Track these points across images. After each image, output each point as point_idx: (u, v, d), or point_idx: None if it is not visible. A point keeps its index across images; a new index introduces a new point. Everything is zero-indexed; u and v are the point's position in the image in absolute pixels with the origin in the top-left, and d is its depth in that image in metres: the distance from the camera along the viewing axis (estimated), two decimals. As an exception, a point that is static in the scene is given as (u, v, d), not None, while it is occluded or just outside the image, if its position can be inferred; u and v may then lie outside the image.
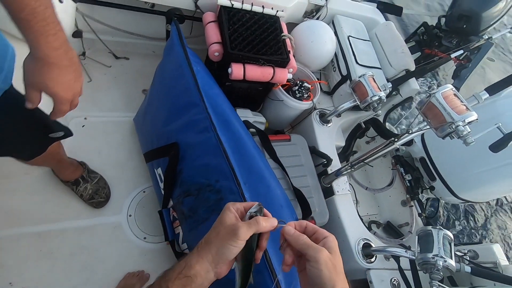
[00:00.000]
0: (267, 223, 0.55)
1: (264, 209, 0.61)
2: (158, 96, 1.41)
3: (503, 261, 1.48)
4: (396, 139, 1.28)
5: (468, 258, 1.41)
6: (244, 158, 1.21)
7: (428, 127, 1.20)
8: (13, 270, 1.21)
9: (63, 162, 1.29)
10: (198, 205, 1.20)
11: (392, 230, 1.89)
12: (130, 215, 1.47)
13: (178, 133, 1.29)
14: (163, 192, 1.33)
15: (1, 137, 0.83)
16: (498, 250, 1.51)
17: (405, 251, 1.32)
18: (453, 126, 1.08)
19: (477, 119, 1.07)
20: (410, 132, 1.24)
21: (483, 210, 3.09)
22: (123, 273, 1.33)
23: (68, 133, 1.02)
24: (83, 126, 1.58)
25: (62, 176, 1.34)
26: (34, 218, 1.31)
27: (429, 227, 1.25)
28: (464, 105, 1.10)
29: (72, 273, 1.28)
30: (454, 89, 1.13)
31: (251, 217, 0.58)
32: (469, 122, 1.07)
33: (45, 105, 0.72)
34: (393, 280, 1.47)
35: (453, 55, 1.89)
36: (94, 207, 1.40)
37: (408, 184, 1.80)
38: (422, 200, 1.81)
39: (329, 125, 1.83)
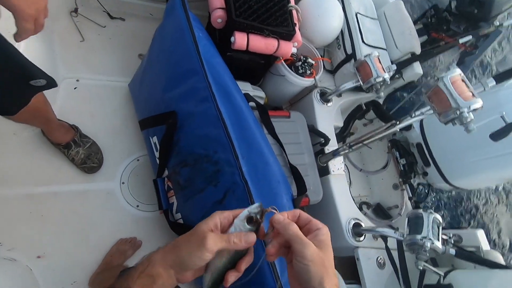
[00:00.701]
0: (240, 240, 0.49)
1: (275, 211, 0.54)
2: (157, 61, 1.34)
3: (485, 246, 1.54)
4: (397, 122, 1.27)
5: (452, 242, 1.46)
6: (244, 131, 1.19)
7: (431, 112, 1.19)
8: (2, 230, 1.19)
9: (51, 123, 1.23)
10: (195, 176, 1.19)
11: (381, 212, 1.94)
12: (123, 183, 1.44)
13: (177, 101, 1.24)
14: (158, 161, 1.30)
15: None
16: (481, 235, 1.57)
17: (394, 232, 1.35)
18: (458, 112, 1.07)
19: (482, 107, 1.06)
20: (412, 116, 1.23)
21: (472, 197, 3.20)
22: (115, 239, 1.33)
23: (51, 82, 0.94)
24: (75, 88, 1.50)
25: (52, 138, 1.29)
26: (24, 180, 1.28)
27: (420, 210, 1.27)
28: (471, 91, 1.08)
29: (64, 236, 1.27)
30: (462, 74, 1.11)
31: (249, 218, 0.52)
32: (474, 110, 1.06)
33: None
34: (379, 258, 1.52)
35: (461, 41, 1.84)
36: (86, 172, 1.37)
37: (402, 168, 1.82)
38: (414, 185, 1.84)
39: (329, 104, 1.80)
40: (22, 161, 1.29)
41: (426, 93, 1.16)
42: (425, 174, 1.75)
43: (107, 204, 1.38)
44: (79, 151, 1.34)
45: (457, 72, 1.11)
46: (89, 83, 1.55)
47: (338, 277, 1.43)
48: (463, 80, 1.10)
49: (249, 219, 0.52)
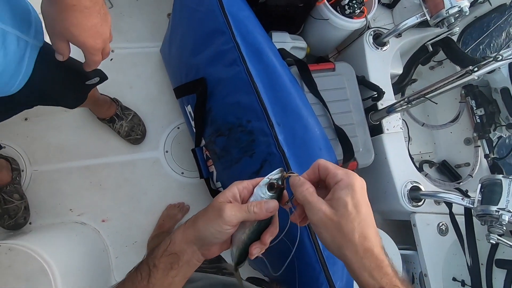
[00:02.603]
0: (260, 208, 0.44)
1: (297, 176, 0.47)
2: (181, 22, 1.23)
3: None
4: (475, 68, 0.99)
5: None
6: (279, 94, 1.06)
7: (528, 50, 0.89)
8: (70, 198, 1.36)
9: (98, 101, 1.28)
10: (230, 145, 1.14)
11: (447, 171, 1.69)
12: (167, 151, 1.48)
13: (205, 66, 1.15)
14: (194, 130, 1.28)
15: (46, 90, 0.82)
16: None
17: (462, 199, 1.16)
18: None
19: None
20: (499, 58, 0.93)
21: None
22: (164, 204, 1.42)
23: (103, 77, 1.00)
24: (111, 59, 1.51)
25: (98, 114, 1.35)
26: (80, 153, 1.40)
27: (499, 176, 1.05)
28: None
29: (120, 202, 1.40)
30: None
31: (270, 185, 0.47)
32: None
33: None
34: (440, 224, 1.36)
35: None
36: (132, 144, 1.43)
37: (479, 120, 1.50)
38: (493, 139, 1.52)
39: (385, 48, 1.50)
40: (76, 136, 1.40)
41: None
42: (510, 126, 1.42)
43: (154, 172, 1.45)
44: (123, 124, 1.38)
45: None
46: (123, 52, 1.53)
47: (388, 241, 1.34)
48: None
49: (270, 186, 0.47)
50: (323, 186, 0.46)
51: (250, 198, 0.48)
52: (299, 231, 0.51)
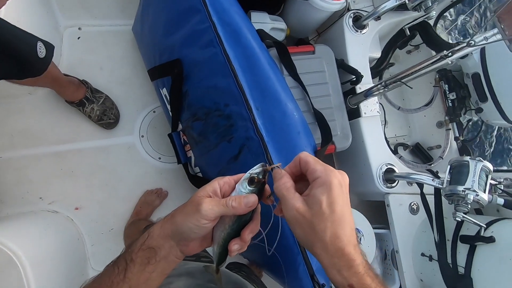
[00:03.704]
0: (239, 203, 0.43)
1: (278, 169, 0.46)
2: (153, -1, 1.15)
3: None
4: (449, 53, 1.00)
5: (502, 188, 1.30)
6: (257, 78, 1.04)
7: (498, 37, 0.91)
8: (40, 186, 1.29)
9: (59, 80, 1.18)
10: (207, 131, 1.11)
11: (420, 153, 1.76)
12: (142, 136, 1.43)
13: (180, 47, 1.10)
14: (170, 114, 1.23)
15: None
16: (539, 179, 1.37)
17: (432, 179, 1.22)
18: (539, 36, 0.79)
19: None
20: (472, 44, 0.95)
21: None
22: (142, 190, 1.39)
23: (47, 45, 0.91)
24: (78, 38, 1.40)
25: (65, 96, 1.27)
26: (48, 138, 1.32)
27: (466, 158, 1.10)
28: None
29: (95, 189, 1.35)
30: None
31: (251, 180, 0.46)
32: None
33: None
34: (412, 204, 1.43)
35: None
36: (104, 128, 1.36)
37: (451, 104, 1.56)
38: (463, 123, 1.59)
39: (364, 31, 1.50)
40: (42, 120, 1.31)
41: (495, 11, 0.87)
42: (479, 110, 1.49)
43: (130, 158, 1.40)
44: (94, 108, 1.31)
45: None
46: (92, 30, 1.43)
47: (363, 221, 1.39)
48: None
49: (251, 181, 0.46)
50: (304, 179, 0.45)
51: (232, 193, 0.47)
52: (279, 219, 0.50)
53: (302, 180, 0.45)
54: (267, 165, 0.47)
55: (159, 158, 1.44)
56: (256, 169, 0.47)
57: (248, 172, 0.47)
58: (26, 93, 1.29)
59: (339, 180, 0.41)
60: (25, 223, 1.14)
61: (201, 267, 0.68)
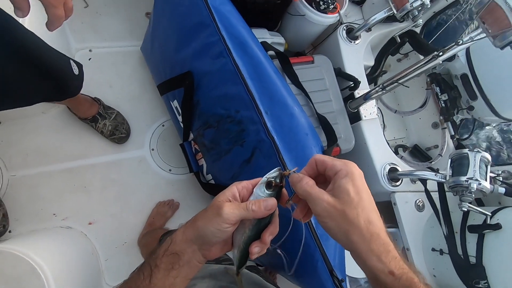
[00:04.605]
0: (259, 206, 0.44)
1: (294, 173, 0.47)
2: (163, 18, 1.24)
3: (539, 181, 1.41)
4: (440, 53, 1.10)
5: (501, 179, 1.35)
6: (265, 84, 1.11)
7: (483, 35, 1.01)
8: (53, 203, 1.30)
9: (78, 99, 1.24)
10: (219, 137, 1.16)
11: (419, 153, 1.82)
12: (152, 149, 1.47)
13: (191, 60, 1.17)
14: (182, 125, 1.28)
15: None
16: (535, 170, 1.44)
17: (435, 174, 1.27)
18: (519, 32, 0.89)
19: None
20: (460, 43, 1.05)
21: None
22: (154, 202, 1.41)
23: (79, 65, 0.96)
24: (89, 59, 1.47)
25: (78, 113, 1.31)
26: (61, 155, 1.35)
27: (465, 150, 1.16)
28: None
29: (108, 203, 1.37)
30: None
31: (268, 184, 0.47)
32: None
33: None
34: (417, 201, 1.47)
35: None
36: (116, 143, 1.40)
37: (443, 104, 1.65)
38: (457, 122, 1.67)
39: (357, 41, 1.61)
40: (56, 138, 1.35)
41: (477, 12, 0.97)
42: (470, 108, 1.57)
43: (141, 171, 1.43)
44: (106, 123, 1.35)
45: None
46: (102, 51, 1.51)
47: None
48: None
49: (268, 185, 0.48)
50: (321, 181, 0.46)
51: (250, 197, 0.48)
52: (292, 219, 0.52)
53: (318, 183, 0.46)
54: (282, 170, 0.49)
55: (170, 170, 1.47)
56: (272, 173, 0.49)
57: (265, 176, 0.49)
58: (40, 112, 1.34)
59: (359, 170, 0.43)
60: (42, 239, 1.14)
61: (222, 269, 0.69)
